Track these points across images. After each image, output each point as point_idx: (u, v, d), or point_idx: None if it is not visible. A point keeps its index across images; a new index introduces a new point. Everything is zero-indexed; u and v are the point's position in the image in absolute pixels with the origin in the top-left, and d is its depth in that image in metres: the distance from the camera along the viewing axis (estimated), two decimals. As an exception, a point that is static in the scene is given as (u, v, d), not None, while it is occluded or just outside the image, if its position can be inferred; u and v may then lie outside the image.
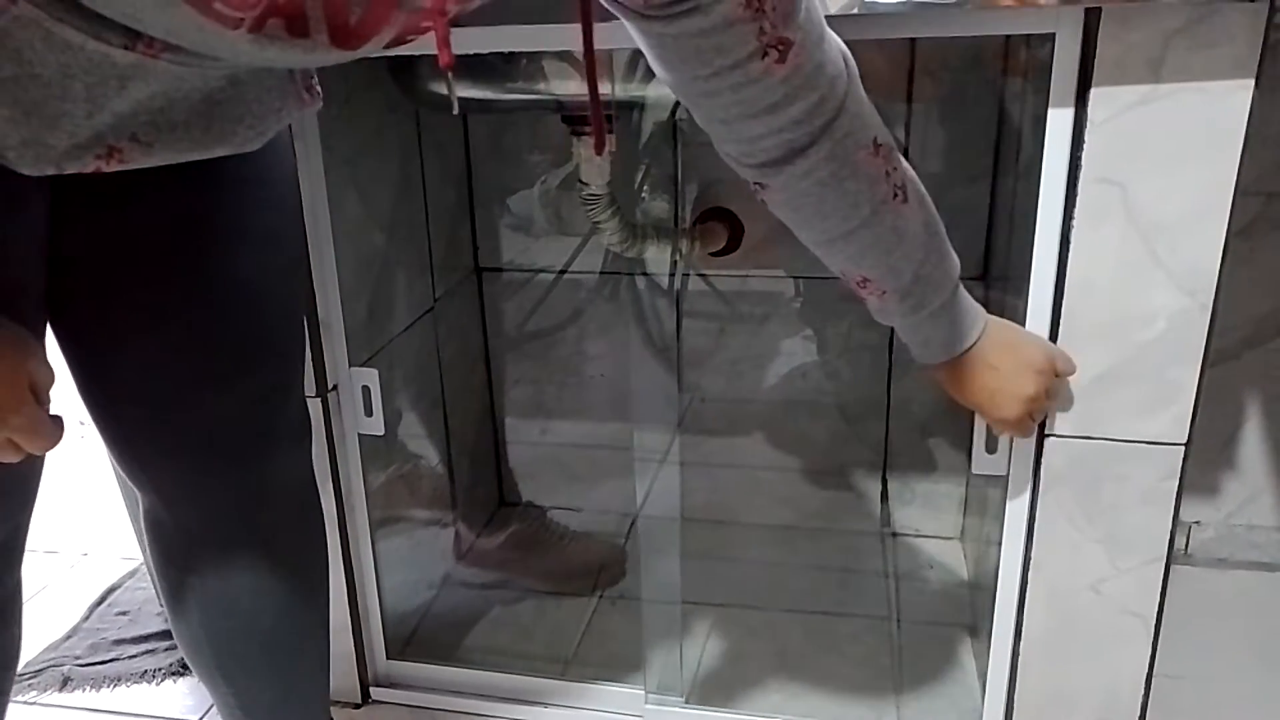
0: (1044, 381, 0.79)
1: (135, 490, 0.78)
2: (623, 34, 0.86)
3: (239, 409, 0.74)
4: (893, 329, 0.80)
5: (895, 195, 0.69)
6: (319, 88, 0.69)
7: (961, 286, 0.77)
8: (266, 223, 0.73)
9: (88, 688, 1.22)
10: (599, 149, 0.64)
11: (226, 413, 0.74)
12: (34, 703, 1.20)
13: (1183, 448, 0.84)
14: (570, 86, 1.04)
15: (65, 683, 1.22)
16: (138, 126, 0.57)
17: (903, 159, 0.71)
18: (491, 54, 0.90)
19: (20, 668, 1.24)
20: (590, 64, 0.61)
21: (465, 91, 1.03)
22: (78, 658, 1.26)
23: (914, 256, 0.72)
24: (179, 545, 0.79)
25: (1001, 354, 0.79)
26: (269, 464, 0.78)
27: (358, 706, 1.16)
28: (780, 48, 0.60)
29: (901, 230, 0.71)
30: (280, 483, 0.80)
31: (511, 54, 0.95)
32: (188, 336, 0.70)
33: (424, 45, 0.88)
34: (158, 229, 0.67)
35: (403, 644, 1.22)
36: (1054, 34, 0.77)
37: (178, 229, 0.68)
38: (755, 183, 0.70)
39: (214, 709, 0.94)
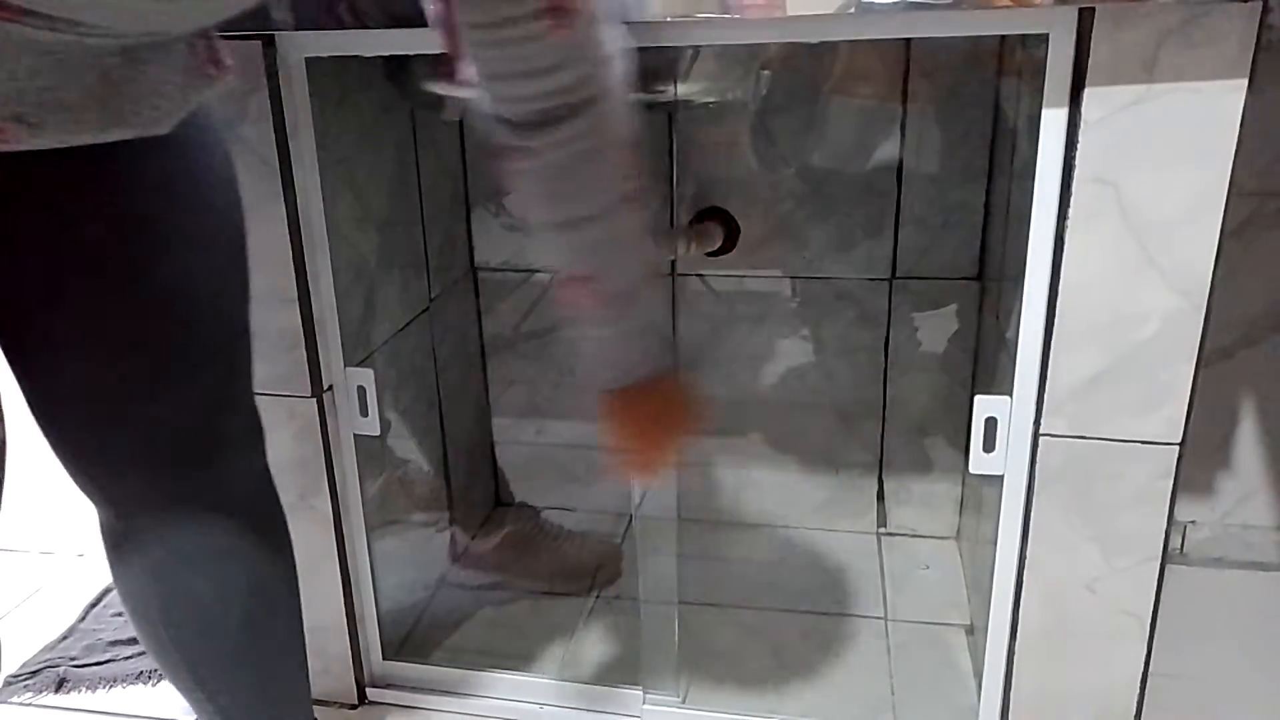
0: (680, 436, 0.82)
1: (89, 500, 0.77)
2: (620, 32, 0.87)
3: (183, 416, 0.73)
4: (886, 334, 0.80)
5: (638, 200, 0.72)
6: (226, 60, 0.68)
7: (656, 324, 0.77)
8: (199, 225, 0.72)
9: (84, 689, 1.21)
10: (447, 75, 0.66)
11: (170, 420, 0.73)
12: (30, 704, 1.20)
13: (1177, 447, 0.85)
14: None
15: (61, 684, 1.22)
16: (25, 107, 0.55)
17: (641, 176, 0.73)
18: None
19: (16, 669, 1.24)
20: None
21: (462, 91, 1.02)
22: (74, 659, 1.26)
23: (640, 264, 0.75)
24: (136, 553, 0.78)
25: (674, 392, 0.81)
26: (219, 469, 0.77)
27: (354, 707, 1.16)
28: (563, 15, 0.62)
29: (636, 235, 0.73)
30: (233, 486, 0.79)
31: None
32: (123, 344, 0.69)
33: (422, 43, 0.89)
34: (88, 235, 0.66)
35: (399, 644, 1.22)
36: (1047, 34, 0.78)
37: (109, 235, 0.67)
38: (514, 147, 0.70)
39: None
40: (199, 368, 0.74)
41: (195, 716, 0.86)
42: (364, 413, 1.05)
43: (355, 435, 1.07)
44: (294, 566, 0.86)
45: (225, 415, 0.77)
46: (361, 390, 1.06)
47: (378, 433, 1.07)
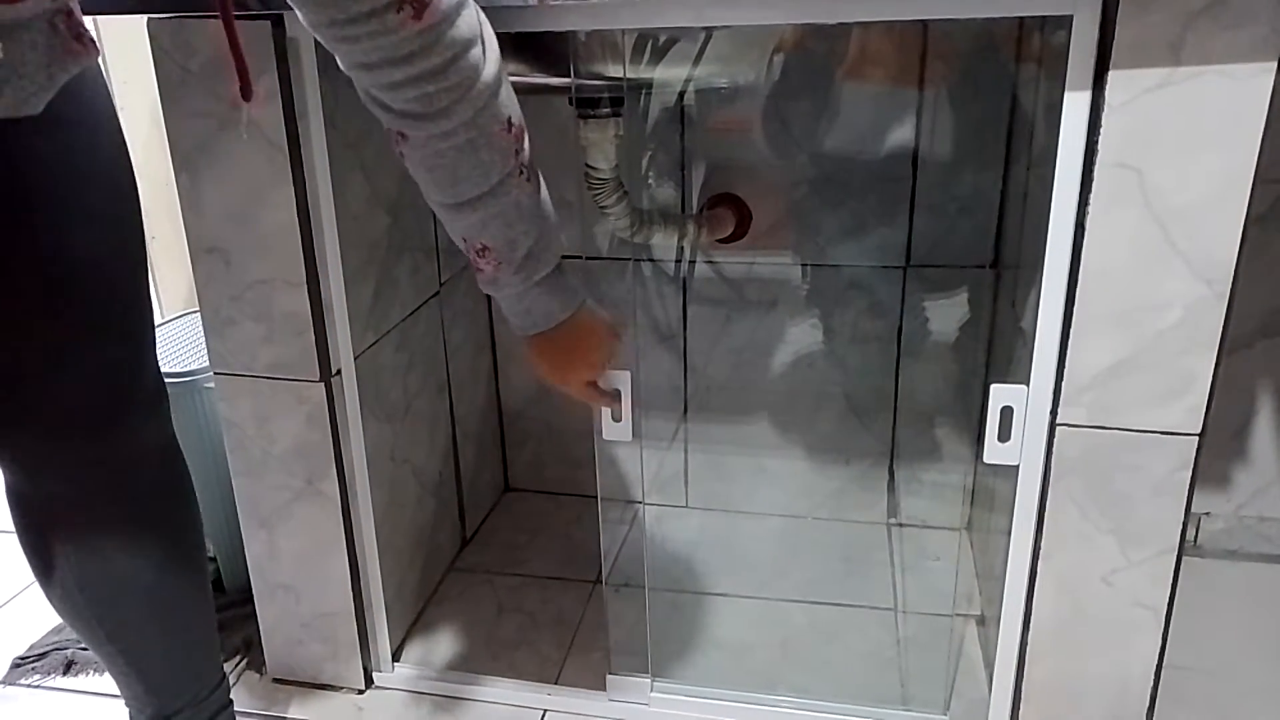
0: (600, 366, 0.89)
1: None
2: (629, 14, 0.85)
3: (87, 383, 0.76)
4: (899, 322, 0.79)
5: (521, 173, 0.75)
6: (91, 36, 0.68)
7: (564, 266, 0.82)
8: (82, 200, 0.73)
9: (92, 671, 1.22)
10: (246, 96, 0.68)
11: (74, 387, 0.75)
12: (38, 685, 1.20)
13: (1197, 438, 0.83)
14: (578, 69, 1.02)
15: (69, 666, 1.22)
16: None
17: (529, 143, 0.76)
18: (497, 34, 0.89)
19: (25, 651, 1.24)
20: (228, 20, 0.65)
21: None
22: (81, 641, 1.26)
23: (531, 232, 0.77)
24: (44, 513, 0.81)
25: (584, 328, 0.85)
26: (123, 434, 0.80)
27: (361, 692, 1.16)
28: (415, 5, 0.63)
29: (523, 206, 0.76)
30: (137, 450, 0.82)
31: (518, 35, 0.93)
32: (25, 314, 0.72)
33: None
34: None
35: (407, 630, 1.22)
36: (1071, 15, 0.76)
37: (2, 206, 0.68)
38: (398, 133, 0.72)
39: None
40: (101, 337, 0.76)
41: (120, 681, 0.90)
42: (616, 418, 0.95)
43: (364, 419, 1.07)
44: (200, 525, 0.90)
45: (126, 382, 0.79)
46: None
47: (630, 438, 0.96)
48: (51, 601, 0.85)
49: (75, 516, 0.81)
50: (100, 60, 1.73)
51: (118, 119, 0.76)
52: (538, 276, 0.80)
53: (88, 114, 0.73)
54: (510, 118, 0.72)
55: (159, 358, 0.83)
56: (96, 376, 0.76)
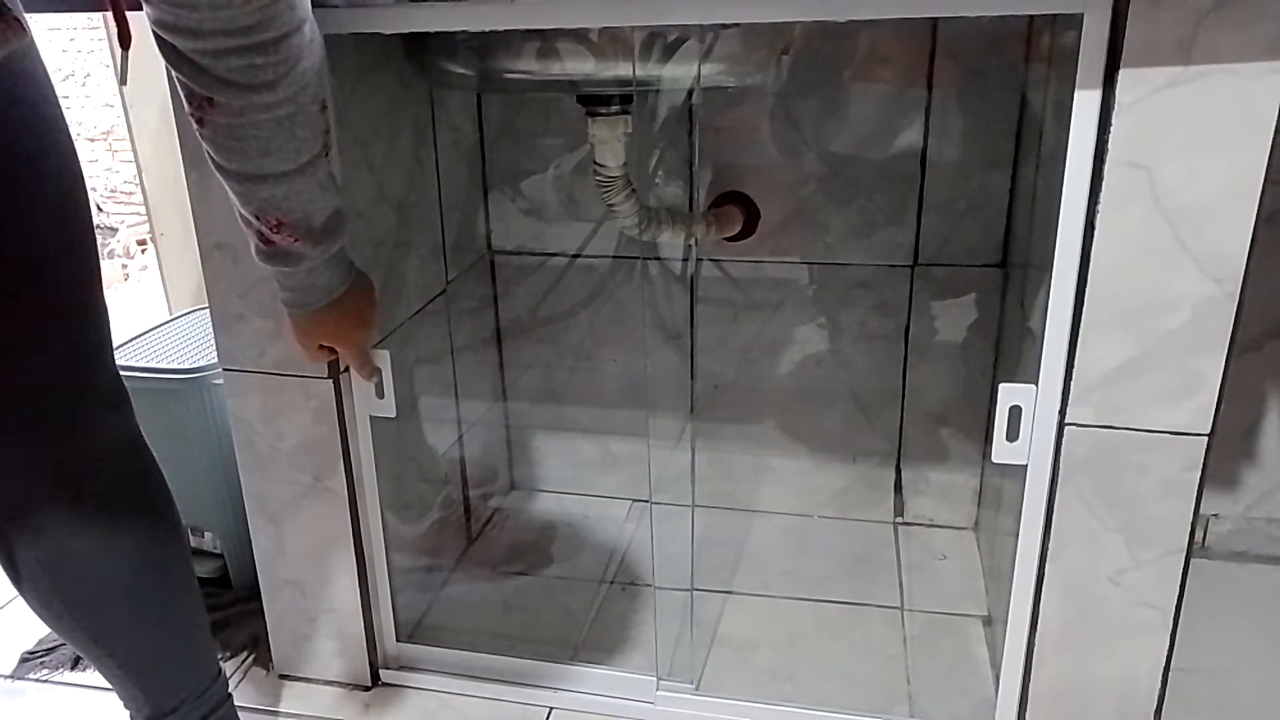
0: (373, 327, 0.93)
1: None
2: (635, 11, 0.85)
3: (40, 383, 0.75)
4: (907, 321, 0.78)
5: (326, 153, 0.76)
6: (17, 16, 0.66)
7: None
8: (26, 196, 0.72)
9: (99, 666, 1.22)
10: (124, 41, 0.70)
11: (27, 387, 0.75)
12: (46, 680, 1.21)
13: (1206, 438, 0.83)
14: (586, 67, 1.02)
15: (77, 661, 1.23)
16: None
17: (333, 123, 0.77)
18: (506, 31, 0.89)
19: (34, 645, 1.25)
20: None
21: (479, 69, 1.02)
22: (89, 636, 1.27)
23: (327, 209, 0.78)
24: (10, 516, 0.80)
25: (363, 295, 0.89)
26: (80, 435, 0.79)
27: (367, 689, 1.16)
28: None
29: (325, 184, 0.77)
30: (98, 449, 0.81)
31: (526, 32, 0.93)
32: None
33: (443, 20, 0.88)
34: None
35: (413, 627, 1.22)
36: (1082, 14, 0.76)
37: None
38: (204, 98, 0.69)
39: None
40: (54, 336, 0.76)
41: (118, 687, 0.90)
42: (380, 394, 1.04)
43: (371, 417, 1.07)
44: (177, 519, 0.89)
45: (85, 381, 0.79)
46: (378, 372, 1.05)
47: (394, 414, 1.06)
48: (33, 608, 0.84)
49: (39, 521, 0.80)
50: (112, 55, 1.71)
51: (64, 116, 0.76)
52: (332, 251, 0.81)
53: (33, 114, 0.72)
54: (325, 99, 0.73)
55: (115, 354, 0.82)
56: (50, 376, 0.76)
